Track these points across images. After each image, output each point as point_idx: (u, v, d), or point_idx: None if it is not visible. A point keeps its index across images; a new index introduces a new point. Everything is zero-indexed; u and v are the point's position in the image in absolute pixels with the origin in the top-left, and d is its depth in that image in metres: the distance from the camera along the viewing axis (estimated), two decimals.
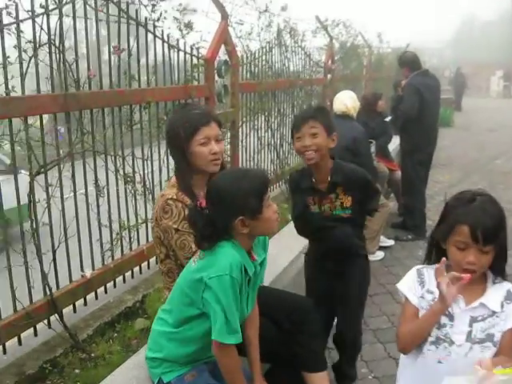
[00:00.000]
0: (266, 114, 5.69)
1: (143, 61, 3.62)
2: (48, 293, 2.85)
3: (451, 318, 1.75)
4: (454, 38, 52.00)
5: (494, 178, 8.54)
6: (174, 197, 2.16)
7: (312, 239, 2.89)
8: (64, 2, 2.79)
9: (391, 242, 5.34)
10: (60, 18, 2.79)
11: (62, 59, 2.83)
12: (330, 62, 7.74)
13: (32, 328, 2.83)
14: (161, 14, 3.53)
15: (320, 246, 2.79)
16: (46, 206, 2.81)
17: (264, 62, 5.57)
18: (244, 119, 5.19)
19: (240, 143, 5.10)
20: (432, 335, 1.77)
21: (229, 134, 4.80)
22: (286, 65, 6.21)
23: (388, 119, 5.95)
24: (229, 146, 4.83)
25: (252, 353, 2.07)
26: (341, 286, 2.72)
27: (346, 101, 4.50)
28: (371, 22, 12.15)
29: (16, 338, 2.76)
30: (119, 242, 3.42)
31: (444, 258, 1.72)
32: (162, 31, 3.67)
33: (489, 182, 8.16)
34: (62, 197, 2.93)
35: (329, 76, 7.71)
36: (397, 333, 1.86)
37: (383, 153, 5.86)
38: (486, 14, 52.03)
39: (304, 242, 3.48)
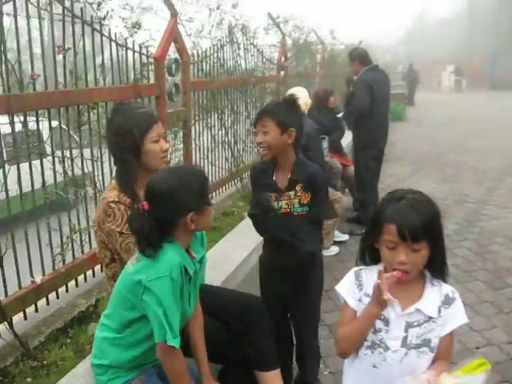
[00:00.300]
0: (219, 112, 5.68)
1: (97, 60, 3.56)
2: None
3: (386, 322, 1.72)
4: (408, 35, 52.94)
5: (447, 170, 8.74)
6: (116, 199, 2.12)
7: (267, 239, 2.88)
8: (4, 1, 2.72)
9: (346, 237, 5.39)
10: (0, 17, 2.71)
11: (3, 60, 2.75)
12: (282, 58, 7.77)
13: None
14: (107, 12, 3.47)
15: (274, 252, 2.76)
16: None
17: (216, 60, 5.55)
18: (197, 118, 5.17)
19: (193, 142, 5.07)
20: (368, 339, 1.74)
21: (181, 133, 4.77)
22: (239, 62, 6.20)
23: (340, 115, 6.01)
24: (181, 145, 4.80)
25: (198, 353, 2.05)
26: (294, 289, 2.71)
27: (297, 97, 4.52)
28: (325, 19, 12.27)
29: None
30: (70, 245, 3.35)
31: (381, 268, 1.68)
32: (109, 30, 3.60)
33: (441, 175, 8.35)
34: (7, 201, 2.85)
35: (282, 73, 7.74)
36: (335, 337, 1.82)
37: (336, 148, 5.91)
38: (440, 12, 53.18)
39: (258, 240, 3.49)
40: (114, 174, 2.40)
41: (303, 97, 4.62)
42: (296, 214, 2.60)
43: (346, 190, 6.63)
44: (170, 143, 2.40)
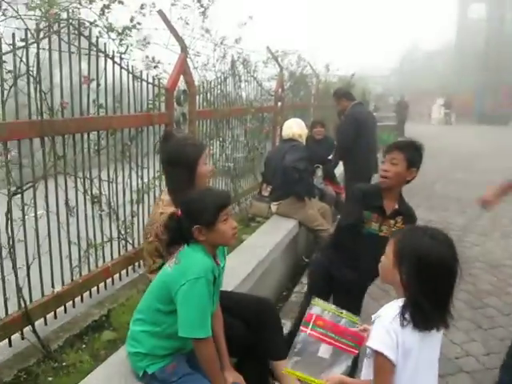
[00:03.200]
0: (221, 139, 6.03)
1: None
2: (23, 305, 3.05)
3: None
4: (399, 67, 53.89)
5: (433, 200, 9.10)
6: None
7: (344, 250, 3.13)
8: (41, 37, 3.06)
9: None
10: (37, 51, 3.04)
11: (38, 88, 3.08)
12: (280, 90, 8.16)
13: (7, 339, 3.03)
14: (127, 47, 3.82)
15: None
16: (21, 224, 3.04)
17: (219, 91, 5.92)
18: None
19: None
20: None
21: None
22: (240, 93, 6.58)
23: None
24: None
25: (220, 346, 2.37)
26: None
27: (292, 127, 4.92)
28: (320, 52, 12.70)
29: None
30: (87, 259, 3.64)
31: None
32: (128, 63, 3.95)
33: (428, 204, 8.70)
34: (35, 216, 3.15)
35: (279, 104, 8.13)
36: None
37: (330, 177, 6.27)
38: (429, 44, 54.30)
39: (260, 257, 3.81)
40: (165, 192, 2.75)
41: (298, 127, 5.00)
42: None
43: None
44: None
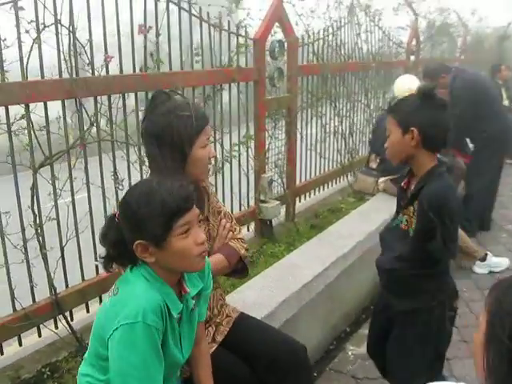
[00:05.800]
0: (333, 99, 5.25)
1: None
2: (53, 292, 2.67)
3: None
4: None
5: None
6: None
7: None
8: None
9: None
10: None
11: (72, 41, 2.59)
12: (413, 42, 7.08)
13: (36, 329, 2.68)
14: None
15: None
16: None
17: (330, 43, 5.11)
18: (304, 105, 4.79)
19: (299, 131, 4.70)
20: None
21: (283, 122, 4.42)
22: (359, 45, 5.69)
23: None
24: (283, 135, 4.46)
25: None
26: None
27: (410, 85, 4.02)
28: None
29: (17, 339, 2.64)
30: None
31: None
32: (200, 8, 3.35)
33: None
34: (72, 191, 2.72)
35: (412, 58, 7.06)
36: None
37: (459, 145, 5.14)
38: None
39: (341, 252, 3.04)
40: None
41: (414, 86, 4.10)
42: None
43: None
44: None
